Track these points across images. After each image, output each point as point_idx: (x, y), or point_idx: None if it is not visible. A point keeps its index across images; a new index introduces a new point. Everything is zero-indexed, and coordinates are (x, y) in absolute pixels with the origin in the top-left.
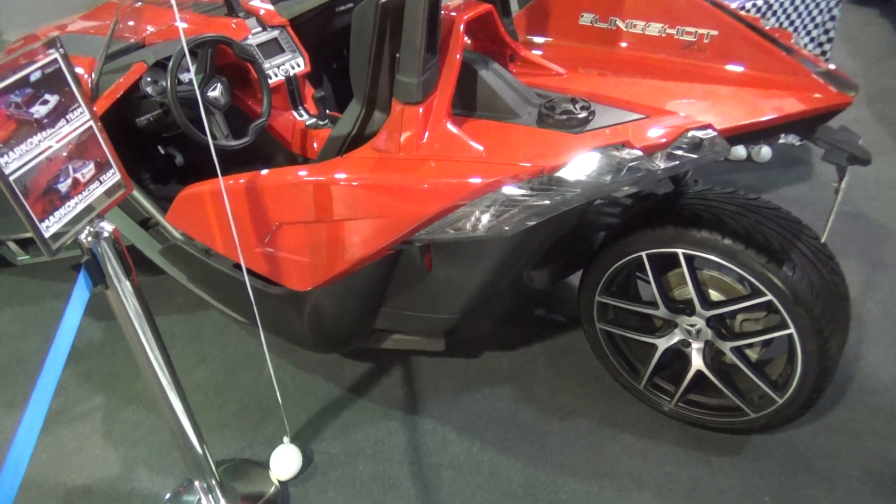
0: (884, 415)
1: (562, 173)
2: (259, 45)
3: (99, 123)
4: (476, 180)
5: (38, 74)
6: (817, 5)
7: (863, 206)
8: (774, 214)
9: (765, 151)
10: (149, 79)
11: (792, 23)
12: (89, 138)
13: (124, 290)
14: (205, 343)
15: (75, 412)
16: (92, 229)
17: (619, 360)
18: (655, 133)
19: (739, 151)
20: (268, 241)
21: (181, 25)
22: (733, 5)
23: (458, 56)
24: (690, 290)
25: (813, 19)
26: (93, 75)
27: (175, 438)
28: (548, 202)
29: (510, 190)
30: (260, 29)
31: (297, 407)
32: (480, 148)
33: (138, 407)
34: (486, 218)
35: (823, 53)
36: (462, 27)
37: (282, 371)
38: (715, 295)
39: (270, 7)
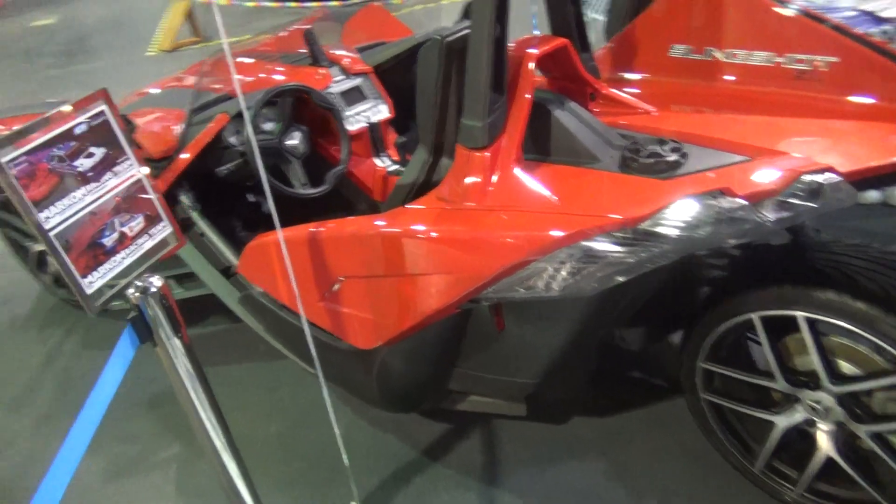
0: None
1: (648, 225)
2: (342, 94)
3: (148, 174)
4: (549, 233)
5: (83, 127)
6: None
7: None
8: None
9: None
10: (231, 128)
11: None
12: (138, 191)
13: (173, 347)
14: (282, 393)
15: (151, 461)
16: (140, 284)
17: (728, 438)
18: (762, 178)
19: (872, 194)
20: (330, 294)
21: (237, 78)
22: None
23: (527, 96)
24: (814, 361)
25: None
26: (181, 126)
27: (228, 499)
28: (632, 259)
29: (588, 244)
30: (343, 77)
31: (367, 468)
32: (554, 197)
33: None
34: (561, 276)
35: None
36: (533, 64)
37: (354, 428)
38: (846, 367)
39: (355, 55)
